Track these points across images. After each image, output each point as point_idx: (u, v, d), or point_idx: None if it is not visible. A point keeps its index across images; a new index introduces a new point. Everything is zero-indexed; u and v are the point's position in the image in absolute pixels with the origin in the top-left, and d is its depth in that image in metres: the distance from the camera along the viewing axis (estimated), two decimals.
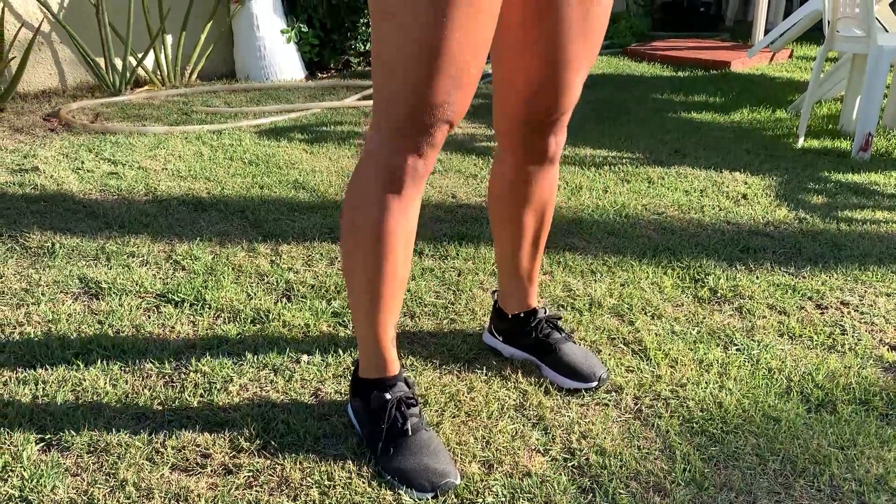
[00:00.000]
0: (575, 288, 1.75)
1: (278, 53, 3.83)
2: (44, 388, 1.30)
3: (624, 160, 2.75)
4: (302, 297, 1.65)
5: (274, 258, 1.85)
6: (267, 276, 1.75)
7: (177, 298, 1.63)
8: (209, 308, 1.59)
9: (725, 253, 1.97)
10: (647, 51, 4.81)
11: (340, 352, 1.45)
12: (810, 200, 2.38)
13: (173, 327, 1.52)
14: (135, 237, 1.94)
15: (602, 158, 2.76)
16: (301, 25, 3.91)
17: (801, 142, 3.04)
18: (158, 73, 3.66)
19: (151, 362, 1.40)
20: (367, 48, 4.17)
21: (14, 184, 2.30)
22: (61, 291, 1.65)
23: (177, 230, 2.00)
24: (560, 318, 1.47)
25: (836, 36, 2.96)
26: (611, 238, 2.04)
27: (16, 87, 3.24)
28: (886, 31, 3.16)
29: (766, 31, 5.39)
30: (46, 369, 1.37)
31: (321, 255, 1.87)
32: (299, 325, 1.54)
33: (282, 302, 1.63)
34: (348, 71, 4.18)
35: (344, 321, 1.56)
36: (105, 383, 1.32)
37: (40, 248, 1.85)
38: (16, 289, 1.66)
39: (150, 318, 1.56)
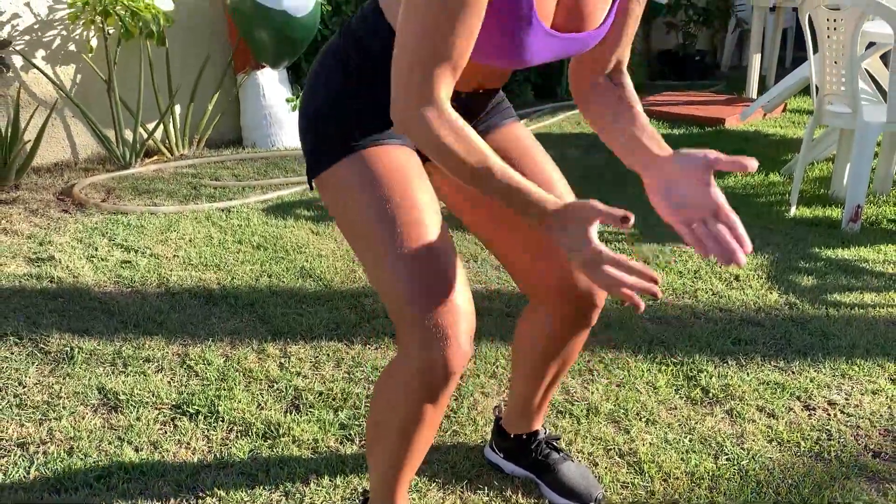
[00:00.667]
0: (573, 390, 1.82)
1: (283, 121, 3.94)
2: None
3: (621, 236, 2.84)
4: (310, 407, 1.73)
5: (283, 360, 1.93)
6: (276, 383, 1.83)
7: (191, 410, 1.70)
8: (222, 421, 1.67)
9: (717, 346, 2.05)
10: (646, 105, 4.92)
11: (348, 471, 1.52)
12: (800, 282, 2.46)
13: (189, 443, 1.60)
14: (149, 339, 2.02)
15: (599, 234, 2.85)
16: None
17: (793, 210, 3.12)
18: (167, 142, 3.77)
19: (170, 485, 1.47)
20: None
21: (32, 276, 2.39)
22: (81, 404, 1.73)
23: (189, 329, 2.08)
24: (559, 439, 1.54)
25: (824, 110, 3.05)
26: (608, 331, 2.12)
27: (31, 163, 3.35)
28: (875, 97, 3.25)
29: (761, 80, 5.51)
30: (70, 494, 1.44)
31: (328, 356, 1.95)
32: (308, 440, 1.61)
33: (291, 413, 1.71)
34: None
35: (351, 434, 1.64)
36: None
37: (60, 354, 1.93)
38: (38, 401, 1.74)
39: (166, 433, 1.63)
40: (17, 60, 3.38)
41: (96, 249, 2.61)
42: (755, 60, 5.21)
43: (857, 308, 2.28)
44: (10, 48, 3.30)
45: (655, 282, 0.93)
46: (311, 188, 1.19)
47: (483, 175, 0.99)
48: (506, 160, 1.23)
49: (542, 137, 4.26)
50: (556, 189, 1.24)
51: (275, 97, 3.92)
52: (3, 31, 3.34)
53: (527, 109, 4.89)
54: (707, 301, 2.32)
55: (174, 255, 2.57)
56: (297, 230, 2.82)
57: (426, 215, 1.08)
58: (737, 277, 2.49)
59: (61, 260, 2.51)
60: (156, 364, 1.90)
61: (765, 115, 4.77)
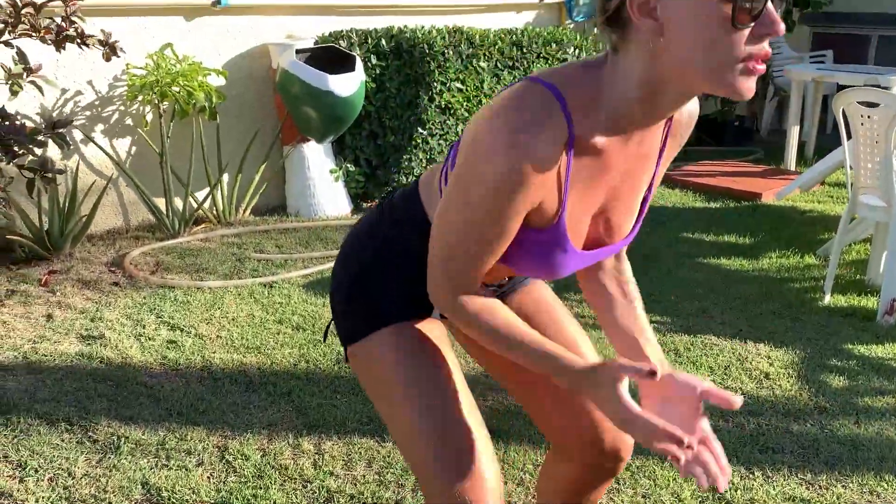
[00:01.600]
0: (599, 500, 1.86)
1: (326, 191, 4.07)
2: None
3: (654, 325, 2.87)
4: None
5: (317, 457, 2.00)
6: (310, 483, 1.89)
7: None
8: None
9: (744, 454, 2.07)
10: (681, 176, 4.96)
11: None
12: (831, 383, 2.46)
13: None
14: (192, 429, 2.11)
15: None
16: (348, 165, 4.16)
17: (827, 298, 3.12)
18: (215, 209, 3.92)
19: None
20: (408, 181, 4.40)
21: (84, 356, 2.51)
22: (126, 499, 1.82)
23: (230, 418, 2.16)
24: None
25: (858, 202, 3.07)
26: None
27: (85, 232, 3.51)
28: None
29: (800, 148, 5.51)
30: None
31: (360, 454, 2.02)
32: None
33: None
34: None
35: None
36: None
37: (107, 443, 2.03)
38: (85, 494, 1.83)
39: None
40: (77, 134, 3.57)
41: (144, 327, 2.73)
42: (793, 132, 5.22)
43: (888, 415, 2.27)
44: (71, 125, 3.49)
45: (687, 445, 0.96)
46: (346, 360, 1.25)
47: (516, 345, 1.06)
48: (528, 320, 1.30)
49: None
50: (580, 349, 1.30)
51: (319, 168, 4.06)
52: (67, 107, 3.54)
53: None
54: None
55: (217, 336, 2.68)
56: None
57: (452, 392, 1.14)
58: (767, 375, 2.51)
59: (111, 339, 2.63)
60: (197, 457, 1.98)
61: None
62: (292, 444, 2.06)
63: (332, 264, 3.40)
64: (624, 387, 1.01)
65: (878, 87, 4.89)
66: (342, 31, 4.08)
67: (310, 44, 3.94)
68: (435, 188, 1.16)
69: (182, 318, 2.81)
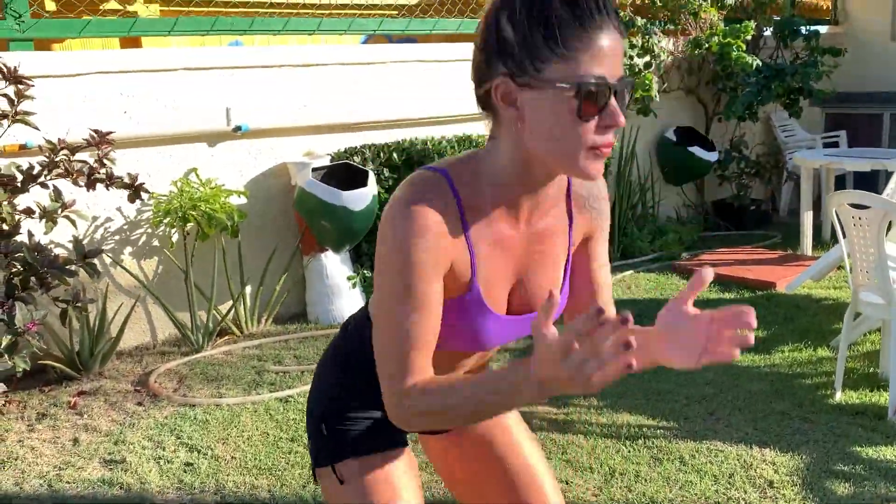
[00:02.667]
0: None
1: (344, 297, 4.22)
2: None
3: (659, 430, 2.90)
4: None
5: None
6: None
7: None
8: None
9: None
10: (695, 266, 5.01)
11: None
12: (836, 490, 2.46)
13: None
14: None
15: (637, 429, 2.92)
16: (365, 272, 4.31)
17: (838, 395, 3.12)
18: (237, 321, 4.08)
19: None
20: None
21: (105, 482, 2.62)
22: None
23: None
24: None
25: (859, 300, 3.10)
26: None
27: (114, 351, 3.68)
28: None
29: (816, 230, 5.54)
30: None
31: None
32: None
33: None
34: None
35: None
36: None
37: None
38: None
39: None
40: (107, 258, 3.78)
41: (164, 449, 2.84)
42: (807, 218, 5.26)
43: None
44: (101, 254, 3.71)
45: (629, 345, 0.86)
46: (314, 478, 1.36)
47: (477, 402, 1.04)
48: (493, 449, 1.41)
49: None
50: (542, 488, 1.38)
51: (337, 276, 4.21)
52: (98, 233, 3.77)
53: None
54: None
55: (232, 457, 2.78)
56: None
57: None
58: (771, 484, 2.51)
59: (132, 463, 2.75)
60: None
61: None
62: None
63: None
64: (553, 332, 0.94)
65: (886, 171, 4.94)
66: (356, 146, 4.30)
67: (326, 161, 4.16)
68: None
69: (200, 438, 2.92)
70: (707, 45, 5.64)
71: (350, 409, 1.33)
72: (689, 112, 6.22)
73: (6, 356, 3.07)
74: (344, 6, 5.86)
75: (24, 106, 3.26)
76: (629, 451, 2.75)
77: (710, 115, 6.22)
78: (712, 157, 5.91)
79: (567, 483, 2.56)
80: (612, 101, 1.02)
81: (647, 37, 5.42)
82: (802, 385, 3.27)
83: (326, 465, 1.32)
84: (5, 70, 3.13)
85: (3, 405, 3.22)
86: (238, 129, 4.05)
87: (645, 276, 4.97)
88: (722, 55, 5.61)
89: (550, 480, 1.41)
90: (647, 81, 5.31)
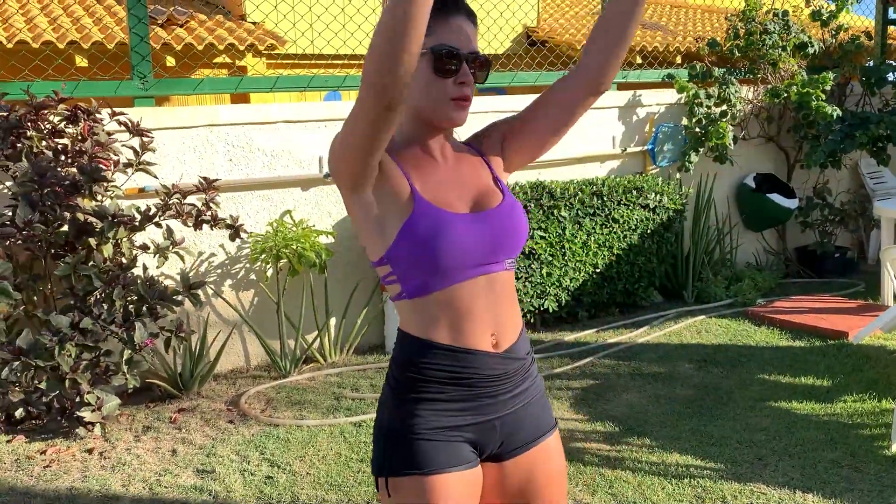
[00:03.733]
0: None
1: None
2: None
3: (706, 471, 3.02)
4: None
5: None
6: None
7: None
8: None
9: None
10: (769, 313, 5.05)
11: None
12: None
13: None
14: None
15: (685, 469, 3.05)
16: None
17: (894, 447, 3.16)
18: (322, 350, 4.44)
19: None
20: None
21: (196, 489, 2.98)
22: None
23: None
24: None
25: None
26: None
27: (211, 373, 4.10)
28: None
29: None
30: None
31: None
32: None
33: None
34: None
35: None
36: None
37: None
38: None
39: None
40: (209, 290, 4.23)
41: (248, 463, 3.19)
42: (889, 268, 5.21)
43: None
44: (204, 286, 4.16)
45: None
46: (377, 485, 1.47)
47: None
48: (524, 494, 1.48)
49: (656, 347, 4.52)
50: None
51: None
52: (202, 267, 4.23)
53: (649, 315, 5.17)
54: None
55: (307, 473, 3.09)
56: None
57: None
58: None
59: (220, 473, 3.10)
60: None
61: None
62: None
63: None
64: None
65: None
66: None
67: None
68: (398, 305, 1.44)
69: (281, 455, 3.26)
70: (786, 95, 5.70)
71: (406, 425, 1.40)
72: (771, 159, 6.26)
73: (123, 371, 3.52)
74: None
75: (147, 157, 3.76)
76: (674, 489, 2.90)
77: (791, 162, 6.24)
78: (792, 204, 5.92)
79: None
80: (464, 65, 1.40)
81: (723, 87, 5.54)
82: (859, 435, 3.31)
83: (379, 475, 1.44)
84: (130, 125, 3.63)
85: (117, 417, 3.66)
86: (328, 175, 4.45)
87: (717, 322, 5.04)
88: (801, 104, 5.65)
89: None
90: (721, 130, 5.43)
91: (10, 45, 4.83)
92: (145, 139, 3.64)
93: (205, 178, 3.77)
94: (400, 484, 1.41)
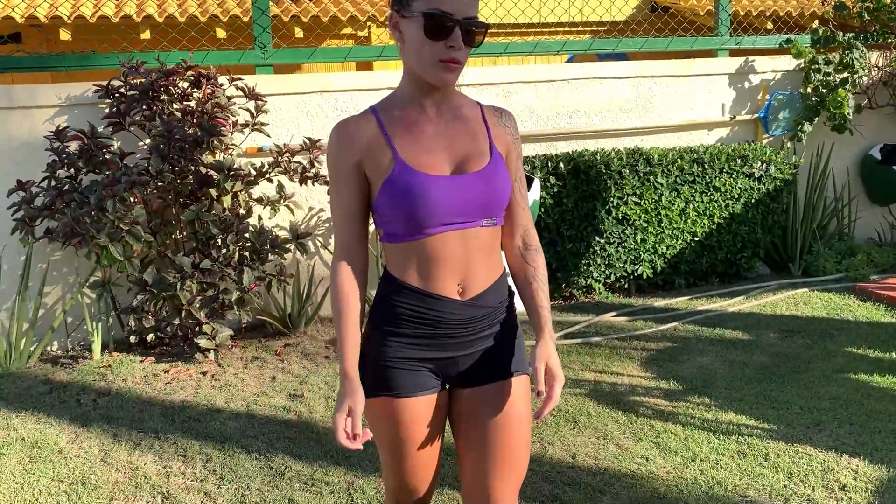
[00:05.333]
0: None
1: None
2: None
3: (757, 431, 3.09)
4: None
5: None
6: None
7: None
8: None
9: None
10: (878, 289, 4.86)
11: None
12: None
13: None
14: (337, 467, 2.86)
15: (735, 427, 3.13)
16: None
17: None
18: None
19: None
20: (587, 283, 4.91)
21: (286, 409, 3.41)
22: None
23: (366, 464, 2.88)
24: None
25: None
26: None
27: (317, 314, 4.55)
28: None
29: None
30: None
31: None
32: None
33: None
34: (572, 302, 4.93)
35: None
36: None
37: (278, 470, 2.85)
38: (252, 501, 2.64)
39: None
40: (318, 241, 4.67)
41: (333, 391, 3.59)
42: None
43: None
44: (311, 236, 4.60)
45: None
46: None
47: (336, 318, 1.60)
48: (478, 423, 1.64)
49: (747, 316, 4.50)
50: (489, 477, 1.63)
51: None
52: (312, 221, 4.67)
53: (750, 286, 5.11)
54: None
55: None
56: None
57: (413, 463, 1.65)
58: (843, 487, 2.64)
59: (308, 398, 3.52)
60: (330, 487, 2.72)
61: None
62: None
63: None
64: (342, 414, 1.54)
65: None
66: (527, 156, 4.82)
67: None
68: (383, 247, 1.64)
69: None
70: None
71: (380, 351, 1.61)
72: None
73: (236, 308, 4.02)
74: (558, 26, 6.37)
75: (261, 118, 4.21)
76: (719, 443, 2.99)
77: None
78: None
79: (647, 460, 2.88)
80: (456, 30, 1.50)
81: (846, 52, 5.30)
82: None
83: (366, 395, 1.61)
84: (247, 90, 4.09)
85: (231, 348, 4.19)
86: None
87: (819, 295, 4.91)
88: None
89: (508, 474, 1.65)
90: (839, 98, 5.22)
91: (160, 20, 5.48)
92: (259, 102, 4.09)
93: (309, 139, 4.17)
94: (372, 404, 1.62)
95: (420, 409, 1.62)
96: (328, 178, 1.71)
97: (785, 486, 2.67)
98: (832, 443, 2.97)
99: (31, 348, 4.07)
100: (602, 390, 3.54)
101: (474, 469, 1.64)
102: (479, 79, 4.88)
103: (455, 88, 1.66)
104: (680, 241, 5.05)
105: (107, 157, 3.96)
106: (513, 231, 1.70)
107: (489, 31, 6.11)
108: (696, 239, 5.09)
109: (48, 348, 4.25)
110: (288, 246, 4.22)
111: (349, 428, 1.54)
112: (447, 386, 1.69)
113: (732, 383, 3.58)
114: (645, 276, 5.02)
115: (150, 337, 4.05)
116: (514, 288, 1.72)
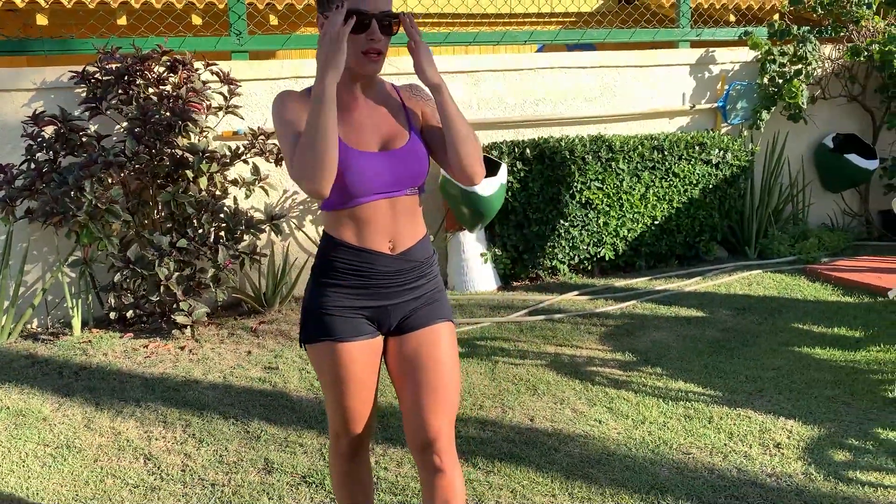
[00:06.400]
0: None
1: (478, 271, 4.95)
2: None
3: (702, 397, 3.31)
4: None
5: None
6: None
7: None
8: None
9: (707, 499, 2.52)
10: (827, 270, 5.12)
11: None
12: (834, 458, 2.77)
13: None
14: (308, 430, 3.03)
15: (685, 393, 3.35)
16: (496, 250, 5.01)
17: None
18: None
19: None
20: (552, 264, 5.12)
21: (261, 380, 3.58)
22: (253, 467, 2.77)
23: None
24: None
25: None
26: (626, 472, 2.69)
27: (290, 294, 4.71)
28: None
29: None
30: None
31: None
32: None
33: None
34: (538, 283, 5.14)
35: None
36: None
37: (254, 434, 3.02)
38: (231, 461, 2.81)
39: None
40: (292, 223, 4.82)
41: (307, 364, 3.76)
42: None
43: (868, 487, 2.56)
44: (285, 218, 4.75)
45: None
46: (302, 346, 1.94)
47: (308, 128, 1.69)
48: (411, 363, 1.84)
49: (702, 295, 4.74)
50: (423, 411, 1.82)
51: (472, 251, 4.95)
52: (287, 203, 4.81)
53: (707, 267, 5.35)
54: (732, 461, 2.75)
55: None
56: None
57: (357, 400, 1.86)
58: (778, 444, 2.87)
59: (283, 371, 3.69)
60: (303, 449, 2.89)
61: None
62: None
63: (459, 330, 4.23)
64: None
65: None
66: (495, 142, 5.01)
67: None
68: (322, 213, 1.87)
69: None
70: (867, 53, 5.62)
71: (319, 301, 1.82)
72: (855, 119, 6.18)
73: (212, 286, 4.16)
74: (526, 16, 6.53)
75: (234, 101, 4.35)
76: (667, 408, 3.21)
77: (878, 123, 6.14)
78: (871, 165, 5.86)
79: (599, 422, 3.09)
80: (374, 23, 1.71)
81: (800, 45, 5.55)
82: (868, 380, 3.47)
83: (301, 343, 1.90)
84: (221, 74, 4.23)
85: (206, 325, 4.33)
86: None
87: (772, 276, 5.16)
88: (884, 63, 5.57)
89: (441, 409, 1.85)
90: (794, 89, 5.46)
91: (137, 6, 5.57)
92: (232, 87, 4.23)
93: None
94: (315, 349, 1.85)
95: (357, 352, 1.83)
96: (276, 133, 1.88)
97: (725, 444, 2.90)
98: (771, 407, 3.20)
99: (12, 325, 4.19)
100: (561, 362, 3.75)
101: (410, 404, 1.85)
102: (448, 67, 5.05)
103: (378, 76, 1.87)
104: (640, 225, 5.28)
105: (83, 139, 4.08)
106: (448, 153, 1.87)
107: (461, 20, 6.22)
108: (657, 223, 5.32)
109: (28, 325, 4.37)
110: (263, 227, 4.37)
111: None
112: (383, 336, 1.91)
113: (684, 355, 3.81)
114: (607, 259, 5.24)
115: (129, 314, 4.19)
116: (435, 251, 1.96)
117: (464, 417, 3.15)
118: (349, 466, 2.00)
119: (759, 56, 5.64)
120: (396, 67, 4.76)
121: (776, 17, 6.36)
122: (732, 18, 7.63)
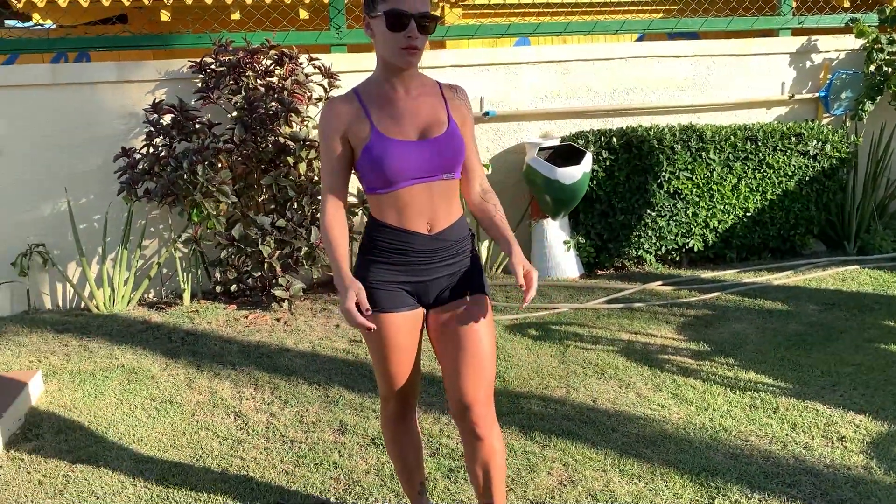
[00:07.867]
0: (616, 486, 2.57)
1: (560, 258, 5.05)
2: None
3: (771, 388, 3.32)
4: None
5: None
6: None
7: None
8: None
9: (758, 484, 2.56)
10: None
11: None
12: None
13: None
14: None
15: (754, 384, 3.36)
16: (580, 238, 5.09)
17: None
18: None
19: None
20: (638, 254, 5.15)
21: (345, 351, 3.84)
22: (329, 427, 3.02)
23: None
24: None
25: None
26: (680, 454, 2.77)
27: None
28: None
29: None
30: None
31: None
32: None
33: None
34: (622, 272, 5.19)
35: None
36: None
37: (334, 398, 3.28)
38: (310, 421, 3.08)
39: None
40: None
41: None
42: None
43: None
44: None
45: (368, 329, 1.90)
46: None
47: (326, 244, 1.98)
48: (446, 334, 2.04)
49: (790, 289, 4.66)
50: (460, 379, 2.02)
51: (555, 239, 5.06)
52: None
53: (801, 261, 5.23)
54: (790, 451, 2.77)
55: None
56: (516, 344, 3.88)
57: (401, 366, 2.05)
58: (842, 438, 2.86)
59: (365, 344, 3.94)
60: (376, 412, 3.12)
61: None
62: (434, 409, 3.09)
63: (536, 314, 4.36)
64: (351, 300, 1.87)
65: None
66: (582, 131, 5.07)
67: (555, 142, 5.00)
68: (367, 197, 2.02)
69: None
70: None
71: (363, 277, 2.00)
72: None
73: (306, 263, 4.48)
74: (620, 5, 6.55)
75: (333, 93, 4.63)
76: (733, 396, 3.24)
77: None
78: None
79: (661, 406, 3.16)
80: (412, 22, 1.86)
81: None
82: None
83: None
84: (322, 68, 4.51)
85: (302, 299, 4.66)
86: (486, 114, 5.07)
87: (869, 272, 5.00)
88: None
89: (476, 377, 2.01)
90: None
91: (249, 2, 5.97)
92: (332, 79, 4.50)
93: None
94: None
95: (401, 321, 2.02)
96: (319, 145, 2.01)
97: (787, 434, 2.91)
98: (842, 401, 3.17)
99: (132, 294, 4.65)
100: (634, 349, 3.82)
101: (449, 372, 2.03)
102: (539, 56, 5.15)
103: (418, 70, 2.03)
104: (732, 216, 5.22)
105: (196, 126, 4.47)
106: (472, 180, 2.11)
107: (560, 9, 6.25)
108: (749, 214, 5.24)
109: (145, 295, 4.83)
110: (356, 210, 4.64)
111: (361, 302, 1.90)
112: (424, 309, 2.08)
113: (760, 347, 3.79)
114: (696, 249, 5.21)
115: (233, 287, 4.56)
116: (473, 230, 2.12)
117: (528, 394, 3.30)
118: (398, 427, 2.20)
119: (866, 44, 5.42)
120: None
121: (893, 2, 6.06)
122: (847, 4, 7.31)
